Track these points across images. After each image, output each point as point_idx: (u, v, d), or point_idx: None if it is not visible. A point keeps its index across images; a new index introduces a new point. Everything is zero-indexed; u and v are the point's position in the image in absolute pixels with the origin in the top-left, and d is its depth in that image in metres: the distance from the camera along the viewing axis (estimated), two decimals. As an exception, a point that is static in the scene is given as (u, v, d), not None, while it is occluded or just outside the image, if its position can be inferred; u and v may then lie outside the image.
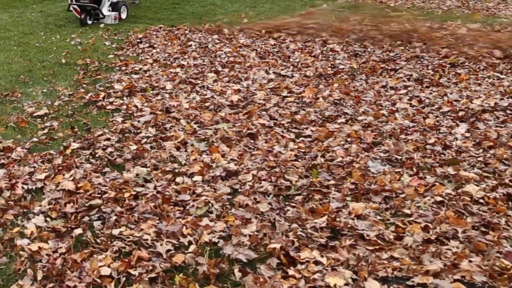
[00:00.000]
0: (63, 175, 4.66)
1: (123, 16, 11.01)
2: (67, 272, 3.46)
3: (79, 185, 4.47)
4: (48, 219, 4.07)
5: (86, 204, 4.21)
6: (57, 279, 3.42)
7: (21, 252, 3.66)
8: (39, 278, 3.43)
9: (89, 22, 10.52)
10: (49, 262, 3.56)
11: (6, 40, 9.25)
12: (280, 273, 3.45)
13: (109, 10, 10.70)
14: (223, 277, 3.46)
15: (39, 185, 4.53)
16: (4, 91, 6.71)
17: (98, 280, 3.39)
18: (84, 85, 7.02)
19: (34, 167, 4.82)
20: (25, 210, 4.18)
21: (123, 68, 7.72)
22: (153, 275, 3.43)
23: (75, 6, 10.47)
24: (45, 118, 5.99)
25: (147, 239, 3.77)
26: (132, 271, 3.45)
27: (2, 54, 8.36)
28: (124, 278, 3.42)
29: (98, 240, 3.80)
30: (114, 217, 4.04)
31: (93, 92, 6.71)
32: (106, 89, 6.85)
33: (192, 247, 3.69)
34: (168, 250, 3.66)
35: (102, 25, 10.37)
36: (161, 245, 3.71)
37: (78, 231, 3.89)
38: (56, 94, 6.71)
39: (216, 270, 3.45)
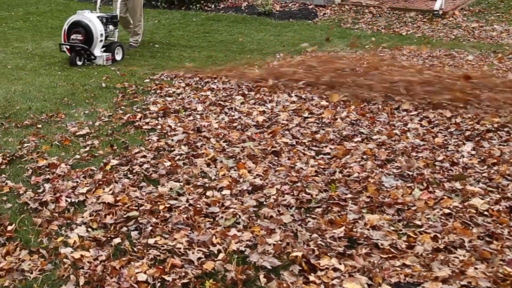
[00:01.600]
0: (103, 189, 4.71)
1: (118, 57, 9.82)
2: (107, 278, 3.50)
3: (117, 198, 4.52)
4: (89, 229, 4.11)
5: (124, 216, 4.25)
6: (97, 284, 3.47)
7: (64, 260, 3.71)
8: (81, 283, 3.47)
9: (79, 63, 9.34)
10: (91, 268, 3.60)
11: (51, 65, 9.32)
12: (301, 279, 3.50)
13: (102, 51, 9.57)
14: (250, 282, 3.50)
15: (81, 198, 4.57)
16: (49, 112, 6.77)
17: (135, 286, 3.44)
18: (122, 107, 7.05)
19: (77, 181, 4.86)
20: (68, 221, 4.23)
21: (158, 91, 7.75)
22: (185, 280, 3.47)
23: (67, 46, 9.46)
24: (87, 137, 6.04)
25: (180, 248, 3.81)
26: (166, 277, 3.49)
27: (47, 78, 8.43)
28: (159, 284, 3.46)
29: (135, 249, 3.84)
30: (150, 228, 4.08)
31: (130, 114, 6.74)
32: (142, 111, 6.88)
33: (221, 255, 3.72)
34: (199, 258, 3.70)
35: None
36: (192, 253, 3.74)
37: (117, 240, 3.94)
38: (97, 115, 6.75)
39: (243, 276, 3.48)
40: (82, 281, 3.48)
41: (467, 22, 13.52)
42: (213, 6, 15.53)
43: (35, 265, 3.67)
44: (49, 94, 7.55)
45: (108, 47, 9.68)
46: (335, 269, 3.56)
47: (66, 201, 4.52)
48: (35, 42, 11.32)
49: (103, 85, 8.04)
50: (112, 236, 4.00)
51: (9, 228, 4.10)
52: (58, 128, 6.32)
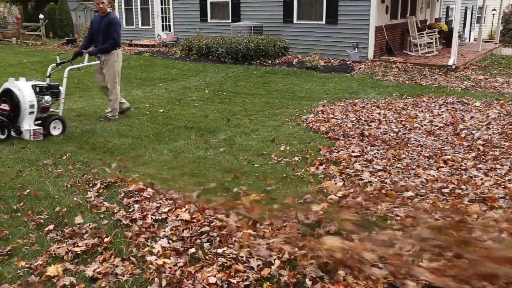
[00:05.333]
0: (181, 209, 4.79)
1: (55, 132, 7.58)
2: (184, 281, 3.59)
3: (193, 216, 4.60)
4: (170, 241, 4.20)
5: (198, 231, 4.33)
6: (176, 286, 3.55)
7: (150, 266, 3.81)
8: (163, 285, 3.56)
9: (2, 136, 7.20)
10: (171, 273, 3.69)
11: (139, 110, 9.56)
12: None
13: (35, 124, 7.40)
14: (299, 284, 3.53)
15: (164, 216, 4.67)
16: (134, 148, 6.97)
17: (207, 287, 3.50)
18: (197, 143, 7.20)
19: (160, 203, 4.97)
20: (153, 235, 4.32)
21: (223, 128, 7.91)
22: (247, 283, 3.52)
23: None
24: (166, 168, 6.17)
25: (242, 256, 3.87)
26: (231, 280, 3.55)
27: (136, 119, 8.67)
28: (226, 285, 3.52)
29: (207, 257, 3.91)
30: (218, 240, 4.15)
31: (203, 149, 6.90)
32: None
33: (277, 263, 3.76)
34: (258, 265, 3.74)
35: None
36: (253, 261, 3.80)
37: (192, 250, 4.02)
38: (177, 150, 6.86)
39: (293, 280, 3.51)
40: (164, 283, 3.57)
41: (475, 75, 13.60)
42: (270, 62, 15.79)
43: (126, 270, 3.77)
44: (138, 131, 7.78)
45: (45, 120, 7.56)
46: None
47: (151, 218, 4.63)
48: (127, 91, 11.64)
49: (183, 125, 8.19)
50: (188, 246, 4.08)
51: (106, 240, 4.22)
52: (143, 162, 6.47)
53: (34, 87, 7.47)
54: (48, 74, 8.07)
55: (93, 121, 8.58)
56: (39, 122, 7.49)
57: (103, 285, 3.59)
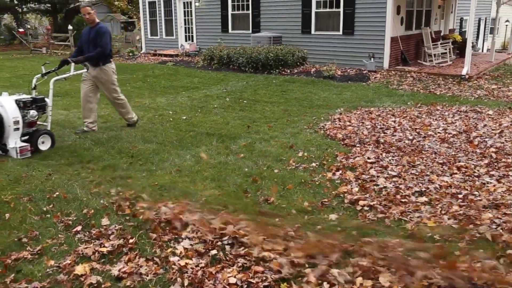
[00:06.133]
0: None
1: (43, 147, 7.03)
2: (205, 281, 3.59)
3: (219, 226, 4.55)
4: (192, 243, 4.20)
5: (220, 233, 4.31)
6: (198, 285, 3.55)
7: (173, 266, 3.82)
8: (185, 284, 3.57)
9: None
10: (193, 273, 3.70)
11: (163, 116, 9.62)
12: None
13: (22, 140, 6.85)
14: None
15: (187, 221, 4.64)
16: (158, 153, 7.00)
17: (227, 287, 3.50)
18: (218, 148, 7.23)
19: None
20: (176, 236, 4.33)
21: (243, 134, 7.94)
22: (266, 283, 3.52)
23: None
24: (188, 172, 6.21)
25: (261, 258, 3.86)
26: (251, 280, 3.55)
27: (160, 126, 8.72)
28: (245, 285, 3.52)
29: (227, 258, 3.91)
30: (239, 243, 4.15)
31: (224, 154, 6.93)
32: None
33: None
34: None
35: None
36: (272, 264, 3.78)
37: (214, 251, 4.02)
38: (199, 155, 6.88)
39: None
40: (186, 282, 3.58)
41: (488, 84, 13.40)
42: (288, 71, 15.80)
43: (150, 270, 3.78)
44: (162, 137, 7.83)
45: (32, 136, 6.98)
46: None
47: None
48: (151, 98, 11.75)
49: (205, 131, 8.24)
50: (210, 248, 4.08)
51: (131, 241, 4.25)
52: (169, 164, 6.50)
53: (17, 102, 6.88)
54: (33, 86, 7.48)
55: (119, 127, 8.65)
56: (26, 137, 6.95)
57: (128, 284, 3.62)
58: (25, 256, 4.02)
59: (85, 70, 8.14)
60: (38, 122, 7.27)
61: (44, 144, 7.09)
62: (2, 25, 36.94)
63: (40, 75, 7.70)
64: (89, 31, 8.12)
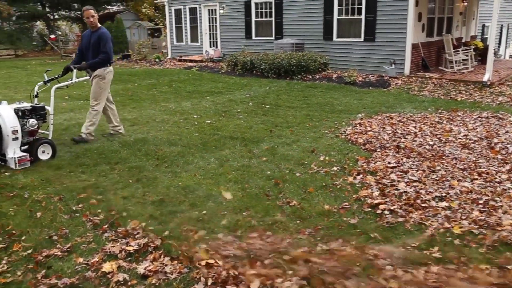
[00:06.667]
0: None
1: (44, 157, 6.72)
2: (228, 281, 3.58)
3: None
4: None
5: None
6: (221, 285, 3.55)
7: (197, 265, 3.82)
8: (209, 283, 3.58)
9: None
10: (216, 273, 3.69)
11: (188, 120, 9.68)
12: None
13: (22, 150, 6.56)
14: None
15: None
16: (183, 156, 7.03)
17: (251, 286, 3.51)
18: (241, 152, 7.25)
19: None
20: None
21: (266, 138, 7.95)
22: (287, 284, 3.49)
23: None
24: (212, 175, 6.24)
25: (280, 261, 3.85)
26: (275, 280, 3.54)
27: (185, 129, 8.77)
28: (269, 285, 3.51)
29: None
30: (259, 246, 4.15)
31: (247, 158, 6.94)
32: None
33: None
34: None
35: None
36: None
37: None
38: (223, 158, 6.92)
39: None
40: (209, 282, 3.60)
41: (510, 90, 13.15)
42: (310, 77, 15.77)
43: (175, 269, 3.81)
44: (187, 140, 7.87)
45: (32, 145, 6.69)
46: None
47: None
48: (177, 103, 11.82)
49: (228, 135, 8.27)
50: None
51: (156, 242, 4.26)
52: (192, 166, 6.54)
53: (16, 111, 6.60)
54: (35, 93, 7.23)
55: (146, 130, 8.72)
56: (26, 147, 6.66)
57: (153, 282, 3.65)
58: (55, 253, 4.09)
59: (88, 77, 8.01)
60: (40, 131, 7.06)
61: (45, 154, 6.81)
62: (35, 32, 37.56)
63: (42, 82, 7.59)
64: (90, 35, 7.92)
